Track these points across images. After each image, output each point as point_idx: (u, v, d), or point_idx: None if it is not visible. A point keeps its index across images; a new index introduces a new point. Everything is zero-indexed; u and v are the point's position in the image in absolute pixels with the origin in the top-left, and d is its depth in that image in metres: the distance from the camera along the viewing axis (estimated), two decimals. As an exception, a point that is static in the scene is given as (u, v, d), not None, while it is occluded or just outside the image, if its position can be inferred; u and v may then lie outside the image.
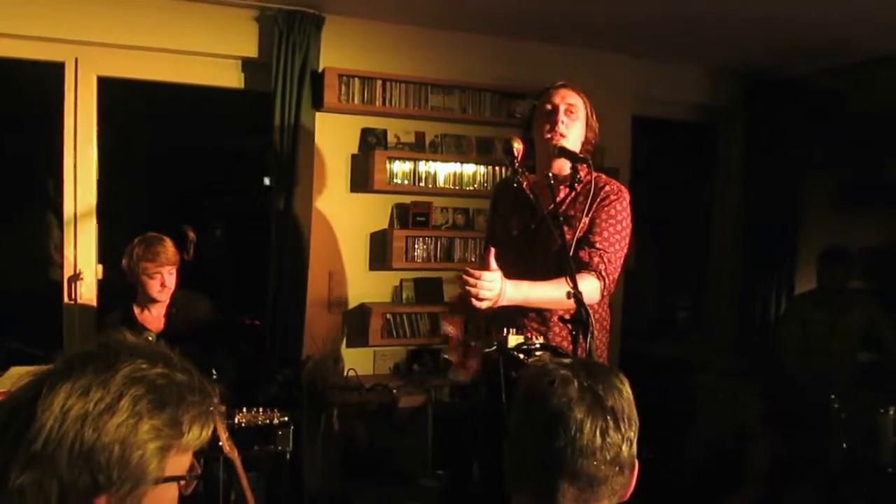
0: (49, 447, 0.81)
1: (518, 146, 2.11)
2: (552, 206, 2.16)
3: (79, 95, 3.42)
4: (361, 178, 3.72)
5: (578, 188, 2.21)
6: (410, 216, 3.73)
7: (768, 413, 3.31)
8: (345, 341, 3.77)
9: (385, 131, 3.75)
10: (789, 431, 3.27)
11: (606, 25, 3.74)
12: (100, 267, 3.53)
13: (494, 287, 1.90)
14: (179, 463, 0.91)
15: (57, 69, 3.42)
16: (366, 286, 3.79)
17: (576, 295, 1.76)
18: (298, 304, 3.56)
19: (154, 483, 0.87)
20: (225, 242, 5.76)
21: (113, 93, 3.55)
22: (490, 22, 3.74)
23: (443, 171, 3.78)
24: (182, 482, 0.92)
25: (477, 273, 1.89)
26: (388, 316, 3.69)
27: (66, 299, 3.48)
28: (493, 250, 1.97)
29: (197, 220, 5.17)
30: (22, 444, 0.81)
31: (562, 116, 2.21)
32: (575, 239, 2.11)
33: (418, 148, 3.80)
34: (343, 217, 3.73)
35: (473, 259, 3.84)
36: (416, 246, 3.72)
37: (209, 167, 6.04)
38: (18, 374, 2.11)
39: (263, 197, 4.23)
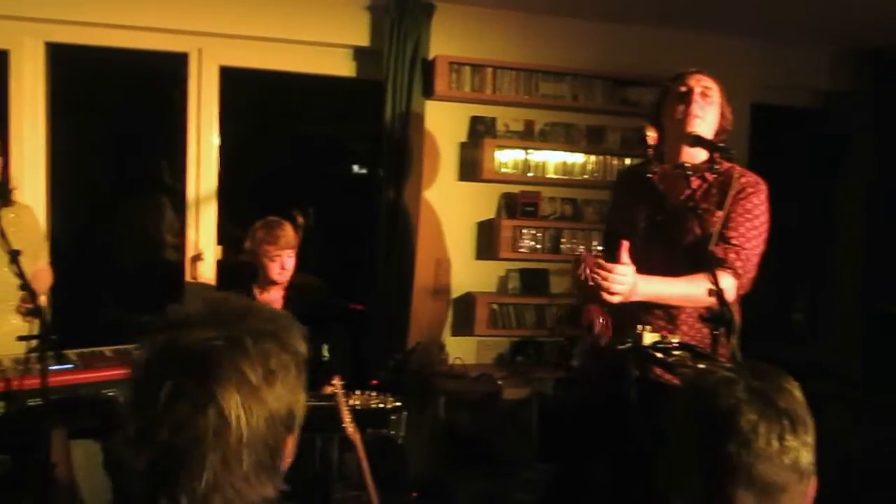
0: (253, 432, 0.89)
1: (652, 134, 2.03)
2: (683, 197, 2.07)
3: (202, 85, 3.56)
4: (470, 167, 3.71)
5: (711, 179, 2.10)
6: (518, 206, 3.69)
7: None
8: (449, 329, 3.78)
9: (494, 120, 3.72)
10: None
11: (722, 7, 3.56)
12: (219, 248, 3.69)
13: (627, 281, 1.84)
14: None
15: (179, 59, 3.58)
16: (472, 275, 3.78)
17: (718, 293, 1.68)
18: (405, 291, 3.59)
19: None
20: (321, 228, 5.90)
21: (230, 82, 3.68)
22: (602, 7, 3.64)
23: (552, 160, 3.71)
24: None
25: (609, 266, 1.83)
26: (494, 306, 3.68)
27: (187, 278, 3.65)
28: (625, 244, 1.90)
29: (296, 206, 5.31)
30: (232, 442, 0.87)
31: (697, 98, 2.10)
32: (708, 234, 2.01)
33: (527, 136, 3.75)
34: (451, 206, 3.73)
35: (581, 250, 3.77)
36: (524, 236, 3.68)
37: (310, 153, 6.19)
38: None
39: (369, 185, 4.29)
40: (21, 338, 2.01)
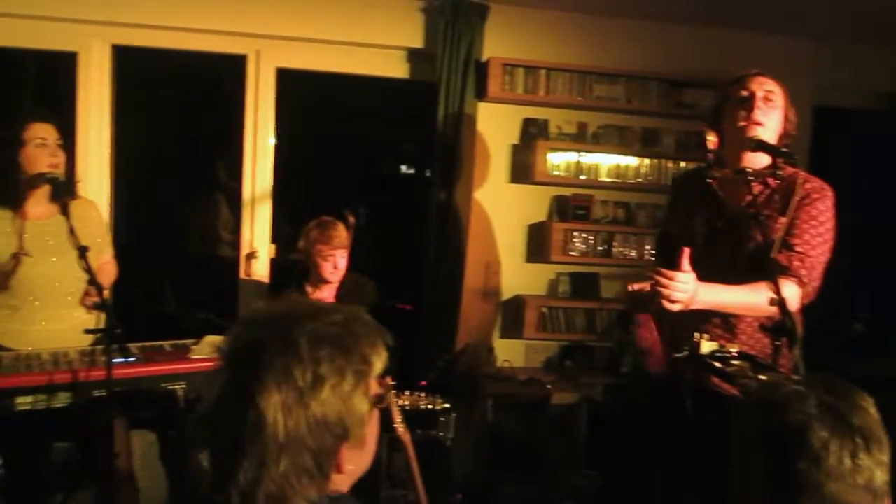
0: (291, 435, 0.89)
1: (712, 138, 1.99)
2: (744, 203, 2.02)
3: (259, 86, 3.63)
4: (521, 169, 3.69)
5: (773, 185, 2.04)
6: (570, 209, 3.66)
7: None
8: (498, 332, 3.77)
9: (547, 122, 3.69)
10: None
11: (781, 6, 3.46)
12: (273, 246, 3.76)
13: (688, 289, 1.81)
14: (374, 389, 0.99)
15: (238, 61, 3.65)
16: (522, 278, 3.76)
17: (780, 302, 1.63)
18: (455, 292, 3.60)
19: (369, 415, 0.97)
20: (371, 228, 5.96)
21: (284, 82, 3.74)
22: (658, 7, 3.58)
23: (605, 162, 3.67)
24: (380, 404, 1.00)
25: (670, 273, 1.80)
26: (544, 309, 3.65)
27: (241, 275, 3.72)
28: (686, 250, 1.86)
29: (347, 206, 5.37)
30: (268, 441, 0.89)
31: (759, 103, 2.04)
32: (770, 240, 1.96)
33: (580, 139, 3.71)
34: (502, 208, 3.72)
35: (633, 255, 3.72)
36: (575, 239, 3.65)
37: (360, 153, 6.25)
38: (213, 343, 2.27)
39: (418, 185, 4.31)
40: (88, 331, 2.08)
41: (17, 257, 2.32)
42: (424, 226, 3.64)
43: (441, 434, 2.58)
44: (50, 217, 2.40)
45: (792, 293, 1.89)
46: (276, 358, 0.90)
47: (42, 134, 2.33)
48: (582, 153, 3.65)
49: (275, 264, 3.73)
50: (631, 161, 3.71)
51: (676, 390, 1.88)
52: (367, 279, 3.17)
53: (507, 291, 3.77)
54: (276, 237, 3.80)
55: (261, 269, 3.71)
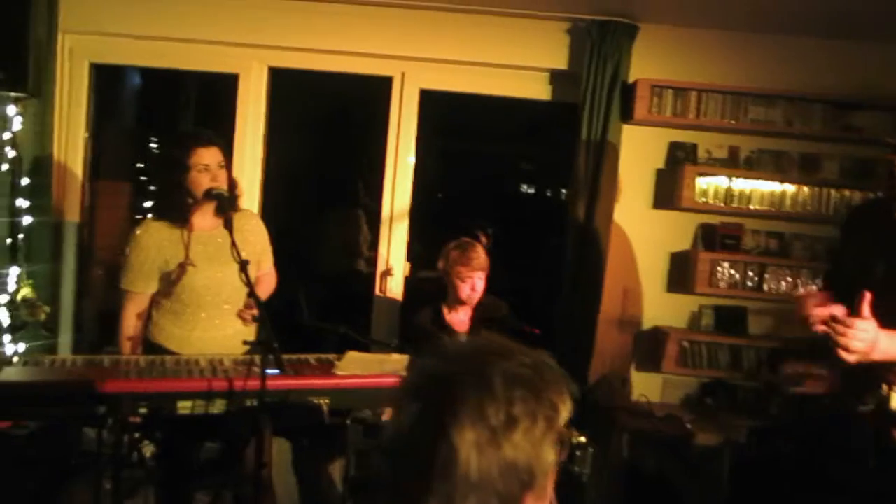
0: (482, 475, 0.87)
1: (905, 168, 1.79)
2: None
3: (403, 107, 3.70)
4: (666, 195, 3.53)
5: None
6: (718, 237, 3.45)
7: None
8: (634, 364, 3.61)
9: (695, 145, 3.51)
10: None
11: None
12: (407, 265, 3.81)
13: (868, 338, 1.64)
14: (561, 438, 0.95)
15: (382, 83, 3.74)
16: (661, 308, 3.59)
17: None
18: (591, 319, 3.48)
19: (553, 466, 0.93)
20: (501, 248, 5.93)
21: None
22: (821, 22, 3.30)
23: (758, 189, 3.44)
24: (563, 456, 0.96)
25: (849, 321, 1.63)
26: (685, 343, 3.46)
27: (377, 291, 3.80)
28: (867, 295, 1.69)
29: (479, 226, 5.38)
30: (458, 480, 0.86)
31: None
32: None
33: (731, 164, 3.50)
34: (643, 234, 3.57)
35: (784, 289, 3.45)
36: (722, 270, 3.43)
37: (492, 173, 6.26)
38: (356, 359, 2.29)
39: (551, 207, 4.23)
40: (247, 343, 2.17)
41: (182, 266, 2.46)
42: (561, 249, 3.56)
43: (577, 469, 2.47)
44: (214, 229, 2.53)
45: None
46: (470, 394, 0.88)
47: (205, 160, 2.45)
48: (733, 179, 3.44)
49: (410, 283, 3.78)
50: (788, 188, 3.45)
51: (858, 444, 1.70)
52: (501, 301, 3.13)
53: (646, 322, 3.60)
54: (409, 255, 3.85)
55: (396, 287, 3.77)
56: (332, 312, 4.31)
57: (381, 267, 3.79)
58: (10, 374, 2.05)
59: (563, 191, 5.99)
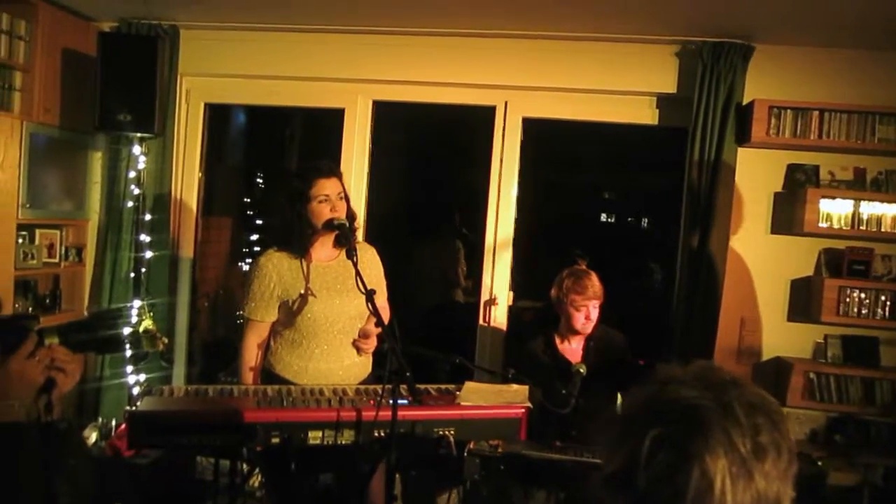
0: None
1: None
2: None
3: (506, 136, 3.70)
4: (785, 219, 3.37)
5: None
6: (845, 263, 3.25)
7: None
8: (754, 397, 3.42)
9: (817, 168, 3.35)
10: None
11: None
12: (511, 294, 3.77)
13: None
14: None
15: (484, 112, 3.75)
16: (782, 338, 3.41)
17: None
18: (706, 349, 3.33)
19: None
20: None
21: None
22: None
23: (889, 213, 3.23)
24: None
25: None
26: (812, 375, 3.25)
27: (480, 321, 3.77)
28: None
29: (578, 254, 5.29)
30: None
31: None
32: None
33: (857, 186, 3.31)
34: (761, 260, 3.41)
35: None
36: (850, 298, 3.23)
37: (590, 201, 6.17)
38: (475, 389, 2.25)
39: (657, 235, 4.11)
40: (378, 374, 2.17)
41: (303, 296, 2.50)
42: (673, 277, 3.44)
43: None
44: (332, 260, 2.57)
45: None
46: (714, 419, 0.85)
47: (325, 191, 2.50)
48: (860, 202, 3.25)
49: (517, 312, 3.73)
50: (920, 211, 3.23)
51: None
52: (617, 332, 3.04)
53: (766, 352, 3.42)
54: (512, 284, 3.81)
55: (500, 316, 3.73)
56: (429, 343, 4.30)
57: (484, 296, 3.76)
58: (152, 404, 2.11)
59: (645, 220, 5.84)
